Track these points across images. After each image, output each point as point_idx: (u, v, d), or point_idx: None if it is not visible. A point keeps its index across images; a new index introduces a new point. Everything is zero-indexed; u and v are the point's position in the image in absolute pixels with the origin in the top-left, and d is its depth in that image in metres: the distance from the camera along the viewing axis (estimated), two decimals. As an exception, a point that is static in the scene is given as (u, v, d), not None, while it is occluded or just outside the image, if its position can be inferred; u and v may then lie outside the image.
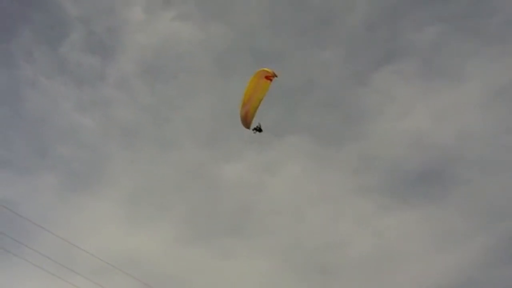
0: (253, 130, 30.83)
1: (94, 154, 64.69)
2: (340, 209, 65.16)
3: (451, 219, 59.40)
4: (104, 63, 67.83)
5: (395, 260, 59.92)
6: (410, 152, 65.32)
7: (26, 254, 28.77)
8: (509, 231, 53.29)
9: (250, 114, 29.87)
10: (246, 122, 30.22)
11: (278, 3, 73.84)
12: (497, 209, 55.81)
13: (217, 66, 72.64)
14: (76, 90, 66.00)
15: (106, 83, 67.63)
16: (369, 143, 67.26)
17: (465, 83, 65.09)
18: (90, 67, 66.69)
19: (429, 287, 56.31)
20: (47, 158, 62.40)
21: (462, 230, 57.09)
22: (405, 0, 71.09)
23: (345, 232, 63.48)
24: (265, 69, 28.87)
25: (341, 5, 72.27)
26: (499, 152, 59.99)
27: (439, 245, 59.33)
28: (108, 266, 30.78)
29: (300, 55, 72.36)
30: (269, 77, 28.93)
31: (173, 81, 70.35)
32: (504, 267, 51.22)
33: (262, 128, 31.21)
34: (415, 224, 62.03)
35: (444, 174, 62.98)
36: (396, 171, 65.13)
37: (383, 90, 67.93)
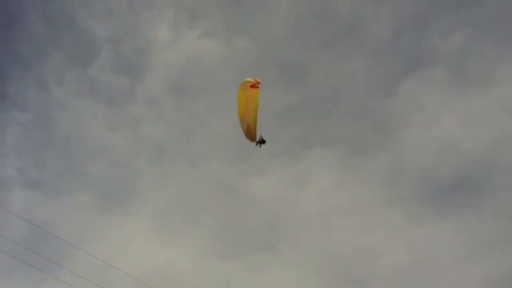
0: (256, 143, 30.60)
1: (125, 172, 65.82)
2: (371, 220, 64.48)
3: (485, 227, 58.17)
4: (133, 82, 69.27)
5: (429, 270, 58.83)
6: (440, 160, 64.44)
7: (61, 274, 29.29)
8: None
9: (252, 127, 29.65)
10: (251, 135, 30.14)
11: (302, 15, 74.12)
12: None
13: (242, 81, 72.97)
14: (106, 110, 67.44)
15: (135, 102, 68.96)
16: (399, 153, 66.61)
17: (495, 89, 63.99)
18: (119, 87, 68.16)
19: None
20: (80, 178, 63.71)
21: (496, 239, 55.78)
22: (430, 7, 70.43)
23: (377, 243, 62.74)
24: (247, 79, 28.99)
25: (366, 15, 72.07)
26: (532, 157, 58.83)
27: (473, 254, 58.10)
28: (141, 284, 31.16)
29: (326, 66, 72.59)
30: (254, 85, 28.73)
31: (200, 97, 71.18)
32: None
33: (265, 139, 30.92)
34: (448, 234, 60.90)
35: (477, 182, 61.82)
36: (427, 180, 64.22)
37: (411, 99, 67.43)
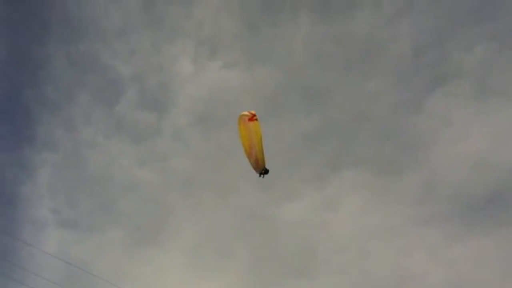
0: (260, 174, 30.36)
1: (156, 206, 66.15)
2: (407, 240, 63.20)
3: (527, 242, 56.48)
4: (159, 117, 70.18)
5: (471, 288, 57.23)
6: (473, 175, 63.10)
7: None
8: None
9: (260, 159, 29.62)
10: (259, 168, 30.05)
11: (321, 39, 74.50)
12: None
13: (267, 108, 73.40)
14: (134, 146, 68.33)
15: (162, 136, 69.72)
16: (430, 170, 65.49)
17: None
18: (146, 123, 69.09)
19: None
20: (112, 215, 64.27)
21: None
22: (450, 21, 69.93)
23: (415, 264, 61.32)
24: (242, 113, 28.65)
25: (385, 35, 72.02)
26: None
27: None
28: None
29: (349, 88, 72.28)
30: (252, 118, 28.41)
31: (225, 127, 71.53)
32: None
33: (267, 167, 30.30)
34: (489, 251, 59.19)
35: (512, 196, 60.36)
36: (461, 197, 62.83)
37: (437, 115, 66.50)
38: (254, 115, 28.30)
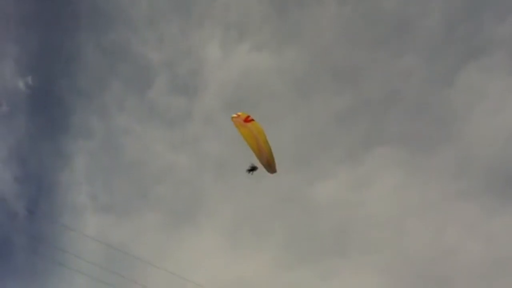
0: (248, 172, 31.27)
1: (191, 189, 67.07)
2: (444, 216, 62.48)
3: None
4: (190, 102, 70.71)
5: (510, 262, 56.29)
6: (509, 148, 61.77)
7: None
8: None
9: (271, 159, 30.04)
10: (271, 168, 30.51)
11: (350, 17, 73.51)
12: None
13: (297, 89, 73.19)
14: (167, 132, 69.19)
15: (193, 121, 70.28)
16: (465, 144, 64.44)
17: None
18: (178, 108, 69.77)
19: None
20: (148, 199, 65.49)
21: None
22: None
23: (453, 240, 60.70)
24: (233, 116, 29.59)
25: (416, 9, 70.50)
26: None
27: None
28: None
29: (381, 65, 71.25)
30: (247, 119, 29.27)
31: (256, 109, 71.63)
32: None
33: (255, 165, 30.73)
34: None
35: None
36: (498, 170, 61.67)
37: (472, 88, 65.08)
38: (248, 117, 29.14)
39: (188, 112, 70.24)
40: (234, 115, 29.39)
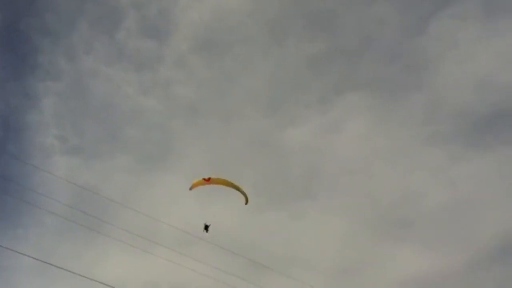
0: (204, 228, 32.20)
1: (162, 133, 66.81)
2: (411, 161, 64.07)
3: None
4: (160, 44, 69.05)
5: (473, 207, 58.48)
6: (477, 95, 62.98)
7: (109, 231, 30.05)
8: None
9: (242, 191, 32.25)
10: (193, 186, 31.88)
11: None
12: None
13: (270, 33, 72.18)
14: (136, 74, 67.79)
15: (164, 64, 68.96)
16: (434, 92, 65.27)
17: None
18: (147, 51, 68.08)
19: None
20: (118, 142, 65.04)
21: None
22: None
23: (418, 184, 62.47)
24: (194, 183, 31.46)
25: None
26: None
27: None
28: (189, 237, 31.77)
29: (353, 12, 70.47)
30: (208, 180, 31.28)
31: (228, 53, 70.71)
32: None
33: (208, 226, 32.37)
34: (490, 169, 60.09)
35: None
36: (465, 117, 63.08)
37: (443, 37, 65.17)
38: (209, 178, 31.11)
39: (158, 54, 68.83)
40: (195, 182, 31.49)
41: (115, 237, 30.11)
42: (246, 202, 32.82)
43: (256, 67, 71.29)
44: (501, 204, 57.87)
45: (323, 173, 65.20)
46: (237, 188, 31.97)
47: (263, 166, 66.46)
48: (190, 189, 31.71)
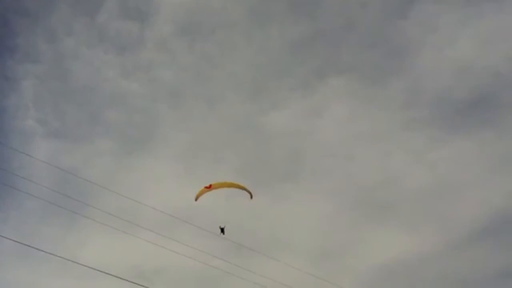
0: (221, 231, 32.69)
1: (144, 117, 66.41)
2: (391, 145, 64.84)
3: (506, 143, 58.17)
4: (142, 27, 68.20)
5: (452, 190, 59.53)
6: (458, 80, 63.68)
7: (94, 215, 30.00)
8: None
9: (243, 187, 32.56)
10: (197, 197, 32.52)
11: None
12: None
13: (252, 18, 71.78)
14: (118, 57, 67.04)
15: (145, 47, 68.22)
16: (416, 76, 65.77)
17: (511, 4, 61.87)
18: (129, 33, 67.26)
19: (490, 214, 56.01)
20: (100, 125, 64.58)
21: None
22: None
23: (399, 167, 63.36)
24: (197, 195, 32.14)
25: None
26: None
27: (496, 170, 58.46)
28: (172, 220, 31.85)
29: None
30: (209, 187, 31.84)
31: (211, 37, 70.20)
32: None
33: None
34: (469, 152, 61.15)
35: (496, 99, 61.41)
36: (445, 101, 63.89)
37: (424, 21, 65.42)
38: (210, 186, 31.68)
39: (140, 37, 68.07)
40: (197, 193, 32.16)
41: (98, 220, 30.05)
42: (251, 197, 33.13)
43: (239, 51, 71.01)
44: (480, 186, 59.12)
45: (306, 156, 65.72)
46: (239, 187, 32.42)
47: (246, 150, 66.75)
48: (196, 200, 32.43)
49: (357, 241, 58.17)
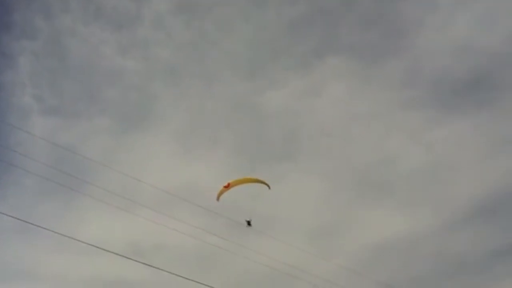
0: (248, 224, 33.26)
1: (142, 94, 66.13)
2: (389, 125, 64.89)
3: (504, 123, 58.32)
4: (138, 4, 67.45)
5: (449, 170, 59.79)
6: (456, 60, 63.49)
7: (92, 192, 30.02)
8: None
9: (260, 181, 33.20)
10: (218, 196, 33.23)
11: None
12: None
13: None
14: (115, 34, 66.40)
15: (142, 24, 67.56)
16: (414, 56, 65.63)
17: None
18: (125, 10, 66.52)
19: (486, 194, 56.38)
20: (97, 102, 64.38)
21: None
22: None
23: (396, 147, 63.52)
24: (218, 195, 32.93)
25: None
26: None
27: (493, 150, 58.69)
28: (170, 197, 31.91)
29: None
30: (227, 186, 32.65)
31: (209, 15, 69.55)
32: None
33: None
34: (466, 133, 61.34)
35: (494, 79, 61.37)
36: (443, 81, 63.80)
37: (423, 0, 65.04)
38: (228, 184, 32.53)
39: (137, 14, 67.36)
40: (218, 193, 32.84)
41: (96, 197, 30.09)
42: (269, 187, 33.84)
43: (236, 29, 70.49)
44: (476, 167, 59.44)
45: (302, 136, 65.80)
46: (256, 181, 33.15)
47: (243, 129, 66.74)
48: (217, 200, 33.05)
49: (353, 220, 58.64)
